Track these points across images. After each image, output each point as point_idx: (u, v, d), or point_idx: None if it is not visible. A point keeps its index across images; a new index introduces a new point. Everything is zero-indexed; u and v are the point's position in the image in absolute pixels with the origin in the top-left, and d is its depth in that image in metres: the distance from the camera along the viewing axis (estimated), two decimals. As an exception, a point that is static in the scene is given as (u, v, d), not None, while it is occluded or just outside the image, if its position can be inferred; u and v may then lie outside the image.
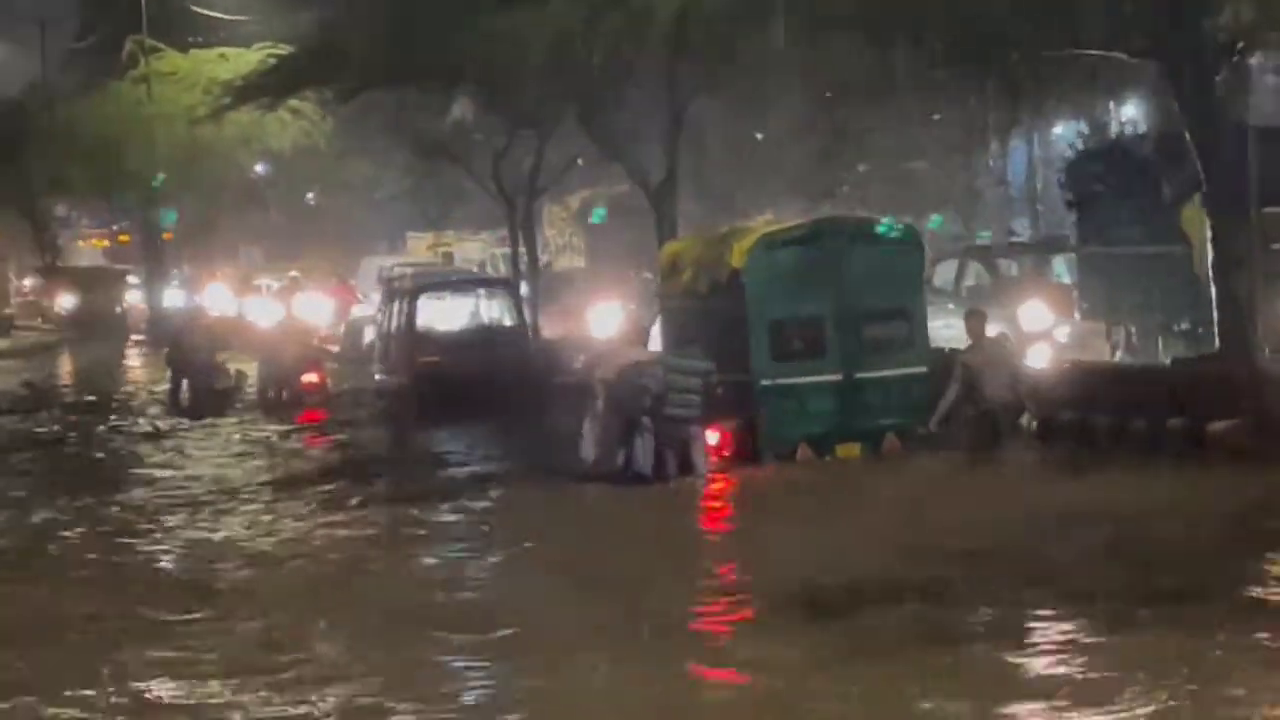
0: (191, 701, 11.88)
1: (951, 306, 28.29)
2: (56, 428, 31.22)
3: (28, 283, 75.45)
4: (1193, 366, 23.88)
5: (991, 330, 22.35)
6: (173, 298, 58.92)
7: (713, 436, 20.87)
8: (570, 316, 38.03)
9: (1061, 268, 32.44)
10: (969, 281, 32.19)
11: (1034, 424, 20.79)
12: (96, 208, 71.97)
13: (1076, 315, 29.64)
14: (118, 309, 63.46)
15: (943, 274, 31.63)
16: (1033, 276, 31.67)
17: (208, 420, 31.07)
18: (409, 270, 43.17)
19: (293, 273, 60.85)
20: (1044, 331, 27.29)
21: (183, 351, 33.99)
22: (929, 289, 28.92)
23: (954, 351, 23.13)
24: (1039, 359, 24.45)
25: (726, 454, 20.98)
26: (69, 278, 69.45)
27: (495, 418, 27.45)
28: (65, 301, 66.62)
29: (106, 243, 78.17)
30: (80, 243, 76.54)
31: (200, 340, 34.91)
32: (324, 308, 48.39)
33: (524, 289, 41.29)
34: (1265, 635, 11.92)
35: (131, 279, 66.42)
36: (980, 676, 11.36)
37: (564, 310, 39.60)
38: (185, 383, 33.34)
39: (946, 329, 25.48)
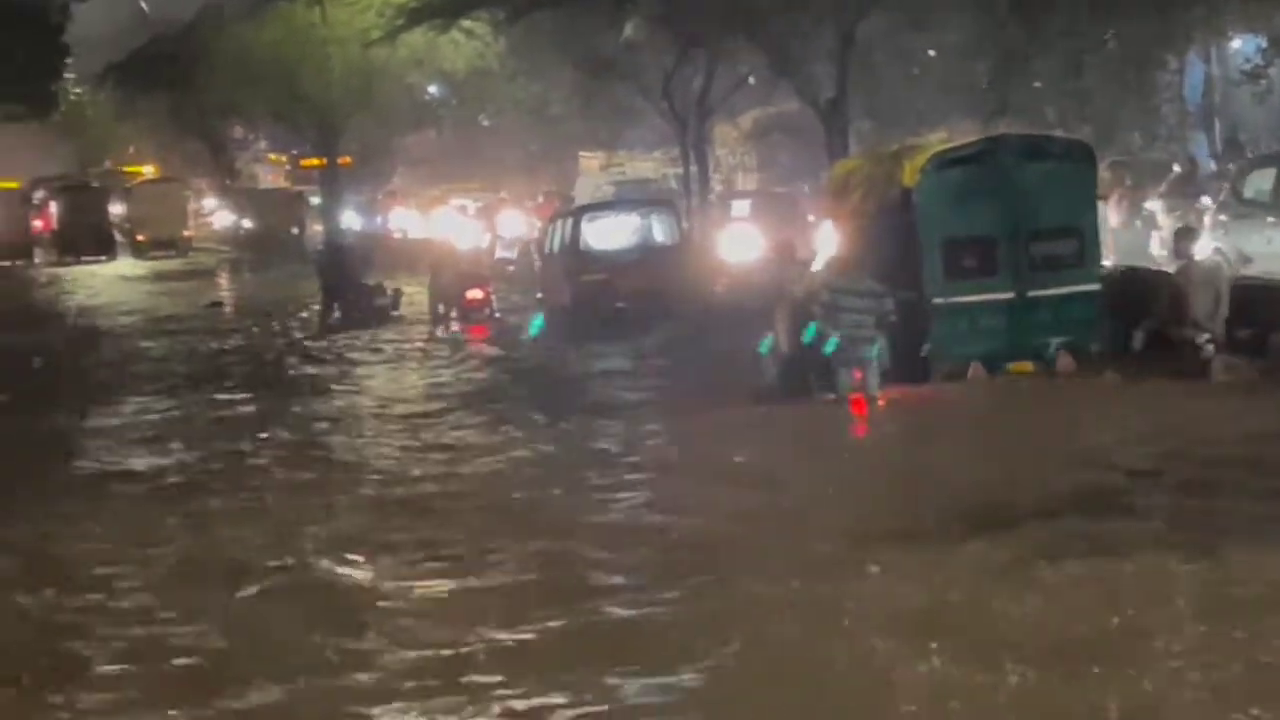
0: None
1: (1271, 220, 26.22)
2: (232, 344, 31.65)
3: (206, 204, 76.40)
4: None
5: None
6: (350, 219, 59.23)
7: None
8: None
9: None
10: None
11: (1212, 348, 20.30)
12: (274, 130, 72.68)
13: None
14: (294, 230, 63.97)
15: (1256, 183, 27.91)
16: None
17: (363, 336, 31.59)
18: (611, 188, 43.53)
19: (502, 193, 61.30)
20: None
21: (333, 271, 34.68)
22: (1238, 200, 27.83)
23: (1146, 270, 22.99)
24: None
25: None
26: (247, 199, 70.31)
27: (656, 335, 27.62)
28: (243, 223, 67.43)
29: (288, 165, 78.64)
30: (271, 158, 77.12)
31: (353, 260, 35.62)
32: (527, 227, 48.49)
33: (745, 206, 41.20)
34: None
35: (313, 200, 66.99)
36: (1143, 587, 11.22)
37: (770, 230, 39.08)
38: (337, 302, 34.20)
39: (1268, 245, 24.66)
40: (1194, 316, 20.20)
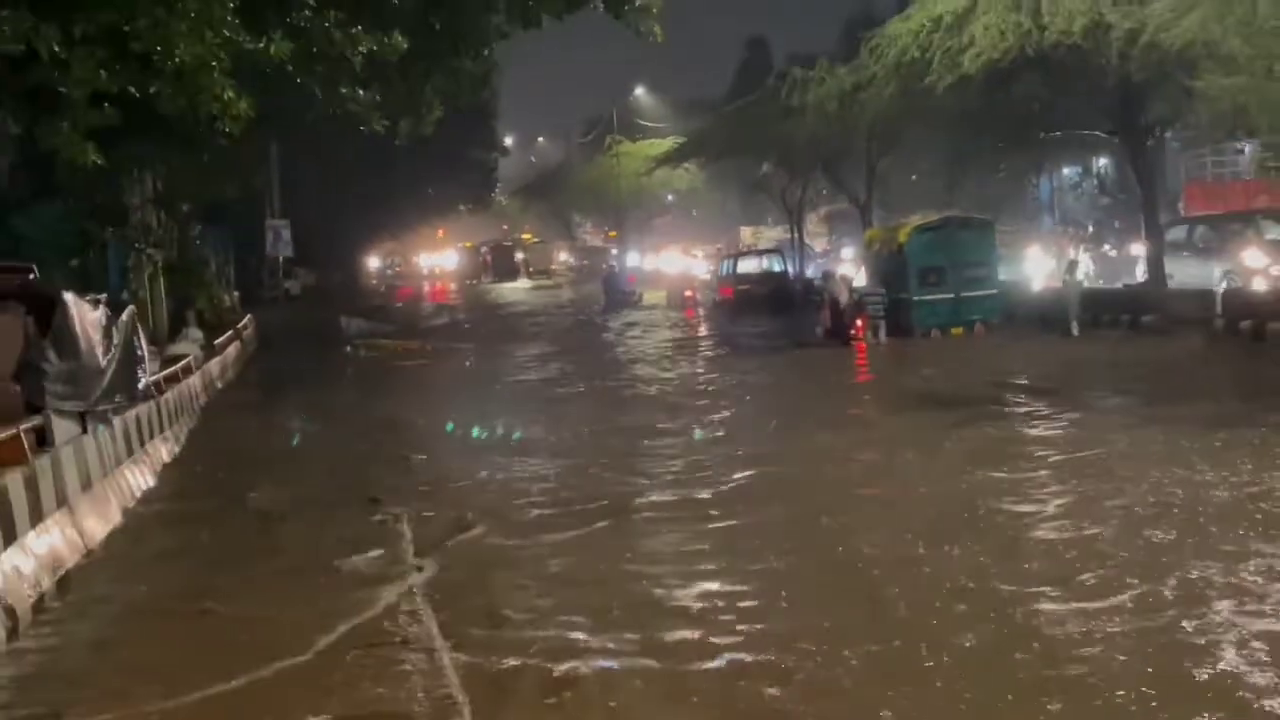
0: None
1: (1185, 254, 22.00)
2: (568, 320, 31.81)
3: (559, 255, 76.62)
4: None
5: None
6: (632, 260, 58.94)
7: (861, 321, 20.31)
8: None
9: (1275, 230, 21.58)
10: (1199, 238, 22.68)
11: (1076, 325, 19.48)
12: (594, 216, 73.11)
13: None
14: (604, 266, 64.19)
15: (1173, 234, 22.86)
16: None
17: (622, 314, 31.25)
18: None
19: (718, 245, 61.12)
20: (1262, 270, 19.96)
21: (609, 283, 35.77)
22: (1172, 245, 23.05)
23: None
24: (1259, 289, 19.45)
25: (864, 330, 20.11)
26: (580, 252, 70.75)
27: (773, 317, 26.96)
28: (576, 263, 67.89)
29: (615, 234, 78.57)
30: (588, 235, 77.09)
31: (616, 278, 36.44)
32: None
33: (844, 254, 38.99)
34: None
35: (613, 251, 67.20)
36: (1035, 439, 10.50)
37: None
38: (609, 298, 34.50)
39: (1183, 269, 21.59)
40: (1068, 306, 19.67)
